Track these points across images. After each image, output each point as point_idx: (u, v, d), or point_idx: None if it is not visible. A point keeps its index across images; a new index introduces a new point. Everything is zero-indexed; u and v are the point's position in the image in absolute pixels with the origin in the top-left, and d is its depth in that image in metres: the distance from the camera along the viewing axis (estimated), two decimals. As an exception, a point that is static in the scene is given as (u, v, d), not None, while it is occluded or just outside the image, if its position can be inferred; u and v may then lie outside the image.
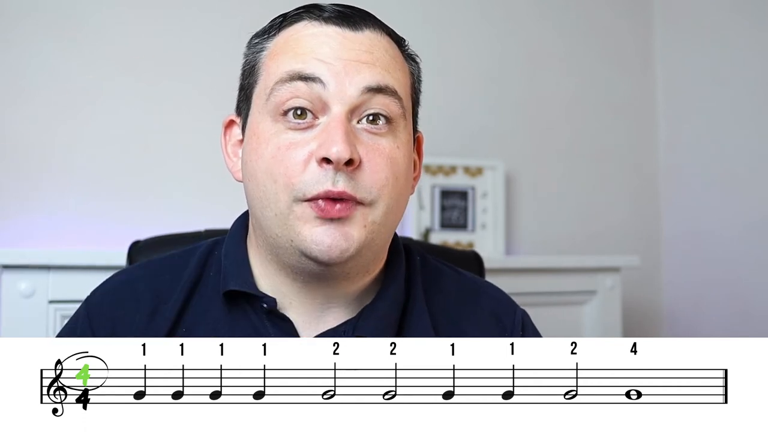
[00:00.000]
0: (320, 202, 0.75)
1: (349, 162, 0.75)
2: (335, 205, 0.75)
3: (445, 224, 2.03)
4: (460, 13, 2.16)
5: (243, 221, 0.89)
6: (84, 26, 1.70)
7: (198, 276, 0.86)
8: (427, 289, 0.89)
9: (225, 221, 0.97)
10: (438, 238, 2.00)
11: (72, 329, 0.85)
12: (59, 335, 0.86)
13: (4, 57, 1.63)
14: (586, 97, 2.34)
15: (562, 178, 2.29)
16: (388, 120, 0.79)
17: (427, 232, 1.97)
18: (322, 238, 0.75)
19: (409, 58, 0.86)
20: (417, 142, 0.89)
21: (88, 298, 0.87)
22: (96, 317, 0.84)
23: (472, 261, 1.38)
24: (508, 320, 0.91)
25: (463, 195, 2.05)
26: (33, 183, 1.64)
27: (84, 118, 1.69)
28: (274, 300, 0.81)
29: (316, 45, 0.78)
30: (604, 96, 2.37)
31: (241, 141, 0.84)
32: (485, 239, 2.06)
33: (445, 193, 2.03)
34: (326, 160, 0.74)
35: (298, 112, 0.77)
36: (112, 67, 1.72)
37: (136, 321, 0.82)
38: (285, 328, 0.80)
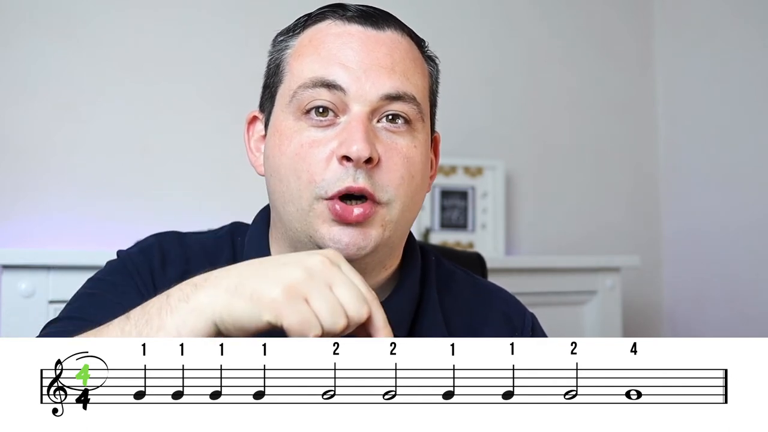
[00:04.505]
0: (337, 206, 0.78)
1: (369, 160, 0.77)
2: (353, 211, 0.78)
3: (445, 224, 2.03)
4: (460, 13, 2.16)
5: (265, 214, 0.92)
6: (84, 27, 1.70)
7: (230, 257, 0.89)
8: (440, 289, 0.92)
9: (226, 221, 0.97)
10: (438, 238, 2.00)
11: (112, 272, 0.87)
12: (92, 279, 0.87)
13: (4, 57, 1.63)
14: (586, 97, 2.34)
15: (562, 178, 2.29)
16: (407, 120, 0.82)
17: (427, 232, 1.97)
18: (340, 237, 0.78)
19: (429, 60, 0.89)
20: (434, 142, 0.92)
21: (120, 253, 0.90)
22: (136, 265, 0.86)
23: (475, 262, 1.39)
24: (519, 321, 0.93)
25: (463, 195, 2.05)
26: (33, 183, 1.64)
27: (84, 118, 1.69)
28: None
29: (339, 47, 0.81)
30: (604, 96, 2.37)
31: (264, 137, 0.87)
32: (485, 239, 2.06)
33: (445, 193, 2.03)
34: (347, 158, 0.77)
35: (320, 110, 0.80)
36: (112, 67, 1.72)
37: (168, 278, 0.84)
38: None
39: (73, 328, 0.77)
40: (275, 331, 0.62)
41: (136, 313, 0.66)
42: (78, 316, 0.80)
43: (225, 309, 0.62)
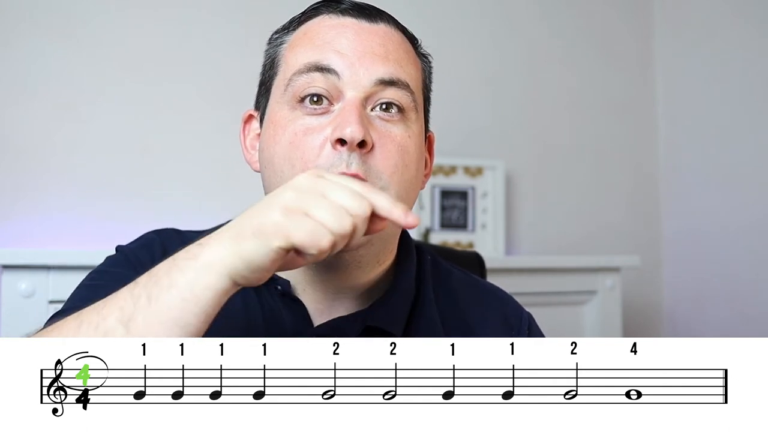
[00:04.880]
0: None
1: (363, 144, 0.77)
2: None
3: (445, 224, 2.03)
4: (460, 13, 2.16)
5: None
6: (84, 27, 1.70)
7: None
8: (436, 289, 0.91)
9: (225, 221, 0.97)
10: (438, 238, 2.00)
11: (115, 264, 0.87)
12: (88, 277, 0.87)
13: (4, 57, 1.63)
14: (586, 96, 2.34)
15: (562, 178, 2.29)
16: (401, 109, 0.81)
17: (427, 232, 1.97)
18: None
19: (422, 56, 0.89)
20: (428, 141, 0.91)
21: (120, 247, 0.89)
22: (139, 258, 0.86)
23: (473, 262, 1.39)
24: (515, 320, 0.93)
25: (463, 195, 2.05)
26: (33, 183, 1.64)
27: (84, 119, 1.69)
28: (288, 282, 0.83)
29: (333, 36, 0.81)
30: (604, 96, 2.37)
31: (259, 135, 0.87)
32: (485, 239, 2.06)
33: (445, 193, 2.03)
34: (340, 142, 0.77)
35: (314, 99, 0.80)
36: (112, 67, 1.72)
37: None
38: (297, 310, 0.82)
39: None
40: (290, 259, 0.62)
41: (143, 278, 0.65)
42: (85, 306, 0.80)
43: (235, 256, 0.61)
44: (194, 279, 0.62)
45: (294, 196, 0.62)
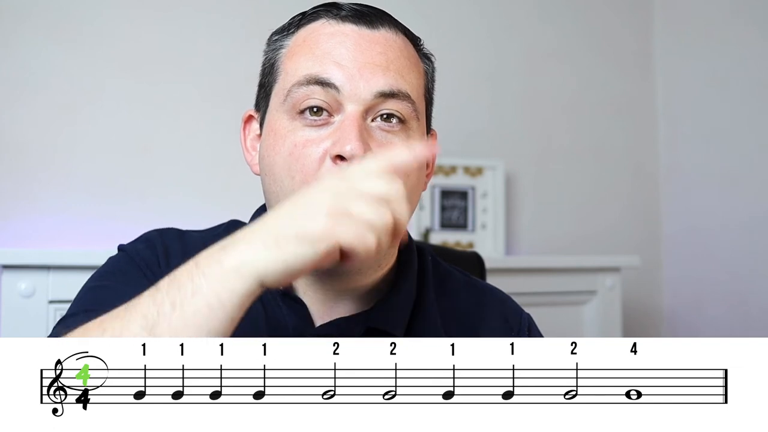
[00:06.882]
0: None
1: None
2: None
3: (445, 224, 2.03)
4: (459, 13, 2.16)
5: (262, 213, 0.91)
6: (84, 27, 1.70)
7: None
8: (437, 290, 0.91)
9: (226, 221, 0.97)
10: (438, 238, 2.00)
11: (120, 263, 0.86)
12: (93, 277, 0.86)
13: (4, 57, 1.63)
14: (586, 97, 2.34)
15: (562, 178, 2.29)
16: (401, 119, 0.81)
17: (427, 232, 1.97)
18: None
19: (424, 57, 0.88)
20: (431, 140, 0.91)
21: (124, 247, 0.89)
22: (144, 258, 0.85)
23: (473, 262, 1.39)
24: (515, 321, 0.93)
25: (463, 195, 2.05)
26: (33, 183, 1.64)
27: (84, 119, 1.69)
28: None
29: (333, 46, 0.80)
30: (604, 96, 2.38)
31: (259, 136, 0.87)
32: (485, 239, 2.06)
33: (445, 193, 2.03)
34: (341, 158, 0.76)
35: (314, 110, 0.79)
36: (112, 67, 1.72)
37: (171, 271, 0.84)
38: (298, 310, 0.82)
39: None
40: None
41: (164, 283, 0.64)
42: (95, 308, 0.79)
43: (272, 262, 0.60)
44: (220, 284, 0.61)
45: (332, 198, 0.61)
